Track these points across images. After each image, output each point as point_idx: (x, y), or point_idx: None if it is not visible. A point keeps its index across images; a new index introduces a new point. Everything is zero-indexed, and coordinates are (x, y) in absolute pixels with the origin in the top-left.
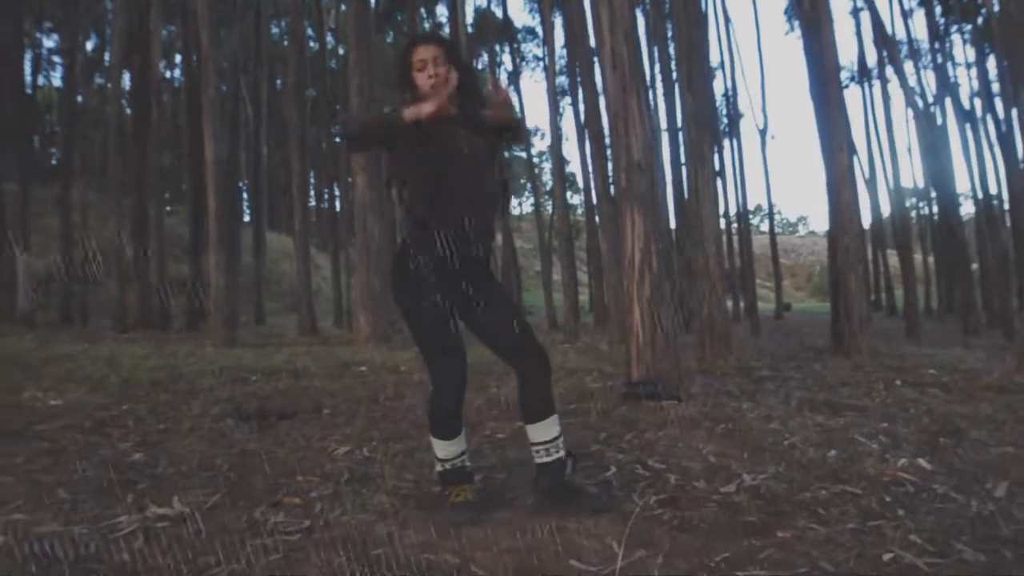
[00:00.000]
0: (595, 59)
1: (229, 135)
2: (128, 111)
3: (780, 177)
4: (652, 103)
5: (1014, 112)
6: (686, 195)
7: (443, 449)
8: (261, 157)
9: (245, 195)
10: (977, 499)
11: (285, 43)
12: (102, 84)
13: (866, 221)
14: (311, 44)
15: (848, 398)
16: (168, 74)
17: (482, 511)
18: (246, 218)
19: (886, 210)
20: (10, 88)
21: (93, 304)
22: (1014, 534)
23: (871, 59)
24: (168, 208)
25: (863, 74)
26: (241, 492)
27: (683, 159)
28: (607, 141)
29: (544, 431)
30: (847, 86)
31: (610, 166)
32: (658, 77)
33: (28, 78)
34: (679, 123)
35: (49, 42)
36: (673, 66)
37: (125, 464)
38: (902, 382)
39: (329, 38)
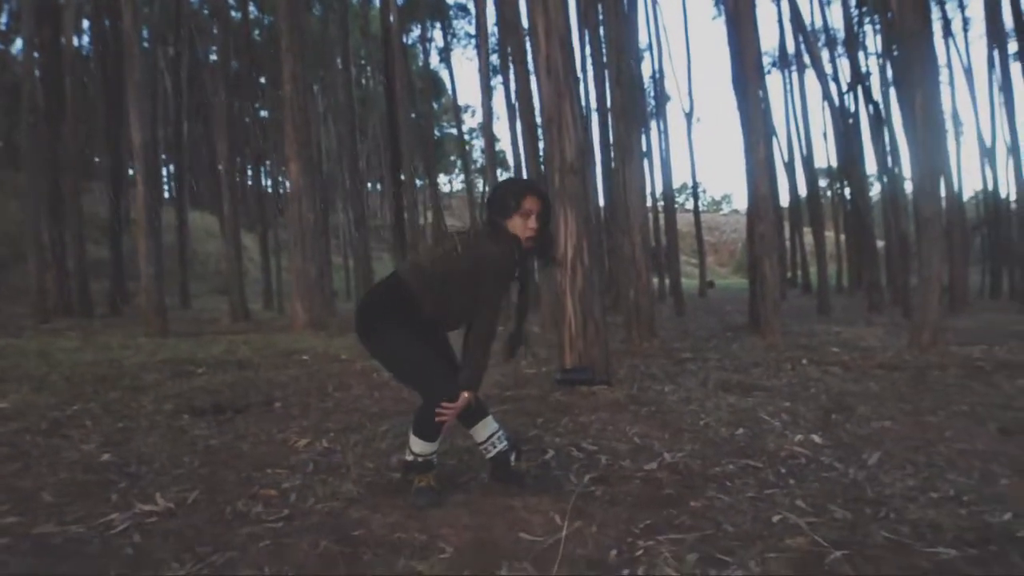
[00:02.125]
0: (527, 38)
1: (149, 110)
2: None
3: (705, 156)
4: (584, 85)
5: (917, 104)
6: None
7: (424, 447)
8: (182, 133)
9: (164, 172)
10: (854, 467)
11: (206, 12)
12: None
13: (784, 201)
14: (233, 14)
15: (759, 378)
16: (76, 41)
17: (442, 495)
18: (165, 195)
19: (804, 191)
20: None
21: (3, 291)
22: (876, 495)
23: (792, 46)
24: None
25: (783, 61)
26: (216, 487)
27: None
28: (539, 131)
29: (481, 431)
30: (769, 72)
31: (542, 147)
32: (588, 60)
33: None
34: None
35: None
36: (603, 48)
37: (97, 465)
38: (808, 361)
39: (252, 8)
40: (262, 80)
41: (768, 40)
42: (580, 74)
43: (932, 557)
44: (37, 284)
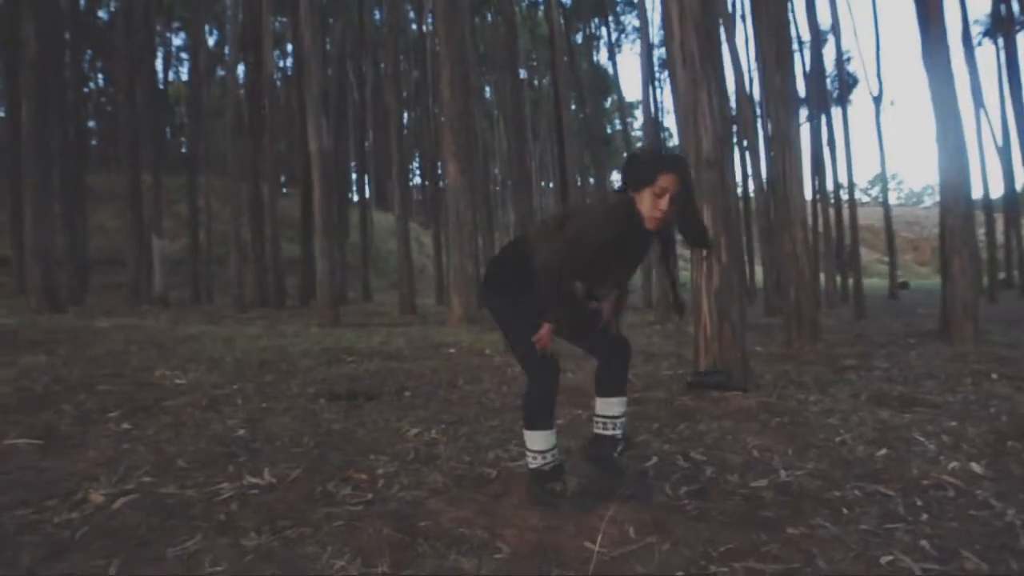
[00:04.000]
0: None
1: (336, 119)
2: (245, 102)
3: (904, 144)
4: (759, 77)
5: None
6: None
7: (544, 440)
8: (367, 139)
9: (354, 177)
10: (1016, 508)
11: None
12: (223, 76)
13: (997, 191)
14: (412, 27)
15: (927, 392)
16: (281, 63)
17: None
18: (356, 198)
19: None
20: (144, 86)
21: (218, 283)
22: None
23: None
24: (285, 190)
25: (997, 28)
26: (319, 467)
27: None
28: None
29: (609, 407)
30: (979, 43)
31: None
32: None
33: (160, 74)
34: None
35: (177, 40)
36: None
37: (230, 439)
38: (999, 375)
39: (429, 20)
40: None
41: (980, 5)
42: (755, 62)
43: None
44: (237, 278)
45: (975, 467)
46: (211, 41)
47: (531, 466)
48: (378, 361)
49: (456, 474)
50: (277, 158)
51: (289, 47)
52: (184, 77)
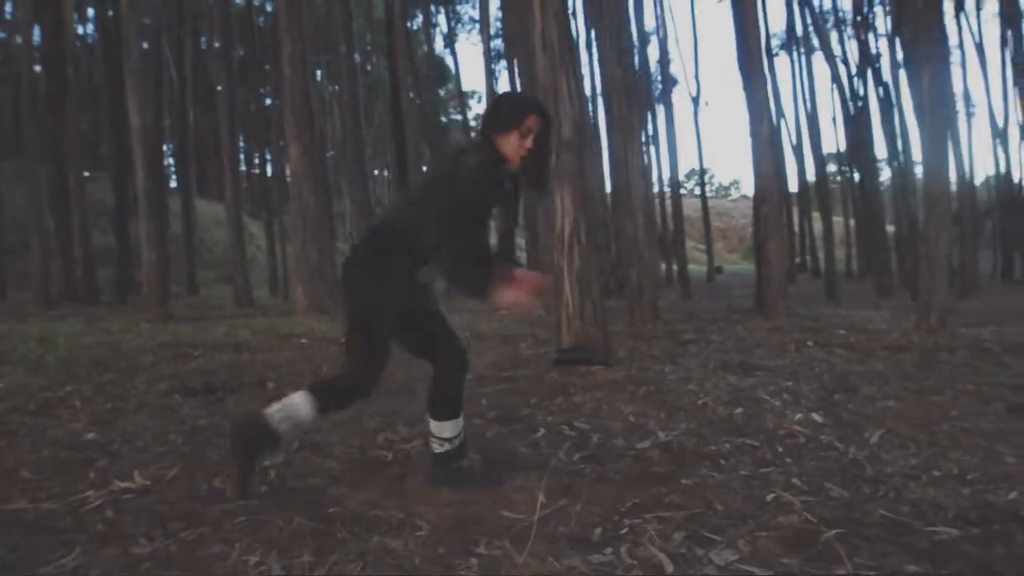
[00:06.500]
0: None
1: (153, 98)
2: (40, 70)
3: (714, 141)
4: (589, 72)
5: (924, 80)
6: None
7: (454, 427)
8: (187, 120)
9: (171, 160)
10: (855, 446)
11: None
12: (3, 39)
13: (793, 186)
14: (237, 0)
15: (761, 359)
16: (81, 29)
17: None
18: (173, 184)
19: (813, 175)
20: None
21: (12, 277)
22: (875, 473)
23: (801, 27)
24: (86, 173)
25: (792, 43)
26: (197, 465)
27: None
28: None
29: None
30: (777, 54)
31: None
32: (594, 43)
33: None
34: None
35: None
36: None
37: (80, 443)
38: (813, 343)
39: None
40: (267, 67)
41: (777, 22)
42: (585, 54)
43: (931, 536)
44: (41, 271)
45: (816, 417)
46: None
47: (437, 452)
48: (228, 354)
49: (350, 459)
50: (80, 136)
51: (90, 11)
52: None
